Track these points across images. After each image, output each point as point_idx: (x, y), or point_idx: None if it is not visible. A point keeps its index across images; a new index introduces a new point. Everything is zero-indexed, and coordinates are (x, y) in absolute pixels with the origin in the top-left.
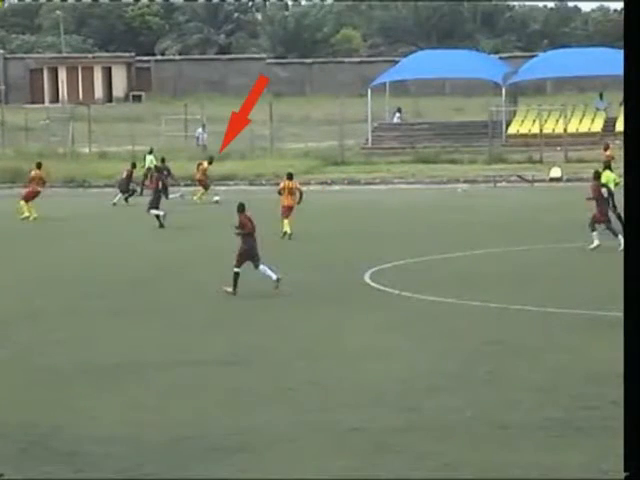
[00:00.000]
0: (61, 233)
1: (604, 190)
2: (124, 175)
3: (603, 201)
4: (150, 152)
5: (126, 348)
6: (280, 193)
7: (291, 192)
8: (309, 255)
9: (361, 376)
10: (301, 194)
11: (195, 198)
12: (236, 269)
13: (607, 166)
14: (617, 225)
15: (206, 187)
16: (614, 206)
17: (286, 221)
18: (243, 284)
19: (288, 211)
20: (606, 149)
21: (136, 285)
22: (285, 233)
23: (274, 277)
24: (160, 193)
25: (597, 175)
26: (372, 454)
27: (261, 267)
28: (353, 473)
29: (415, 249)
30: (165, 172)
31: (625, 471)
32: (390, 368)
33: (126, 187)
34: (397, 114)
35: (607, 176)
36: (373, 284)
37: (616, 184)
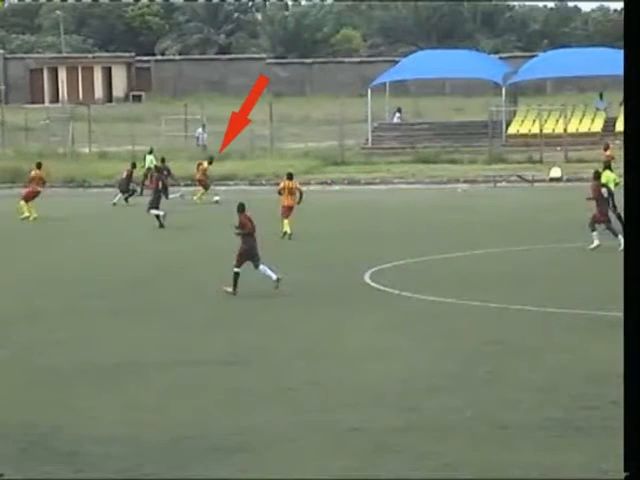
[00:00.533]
0: (61, 233)
1: (604, 190)
2: (124, 175)
3: (603, 201)
4: (150, 152)
5: (126, 348)
6: (280, 193)
7: (291, 192)
8: (309, 255)
9: (361, 376)
10: (301, 194)
11: (195, 198)
12: (236, 269)
13: (607, 166)
14: (617, 225)
15: (206, 187)
16: (614, 206)
17: (286, 221)
18: (243, 284)
19: (288, 211)
20: (606, 149)
21: (136, 285)
22: (285, 233)
23: (274, 277)
24: (160, 193)
25: (597, 175)
26: (372, 454)
27: (261, 267)
28: (353, 473)
29: (415, 249)
30: (165, 172)
31: (625, 471)
32: (390, 368)
33: (126, 187)
34: (397, 114)
35: (607, 176)
36: (373, 284)
37: (616, 184)
